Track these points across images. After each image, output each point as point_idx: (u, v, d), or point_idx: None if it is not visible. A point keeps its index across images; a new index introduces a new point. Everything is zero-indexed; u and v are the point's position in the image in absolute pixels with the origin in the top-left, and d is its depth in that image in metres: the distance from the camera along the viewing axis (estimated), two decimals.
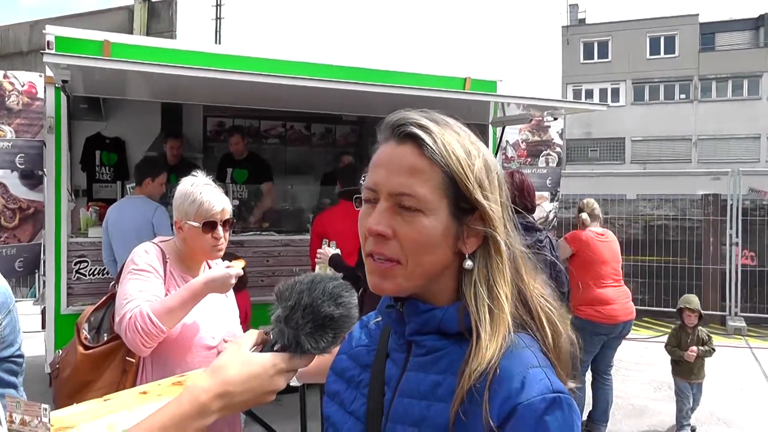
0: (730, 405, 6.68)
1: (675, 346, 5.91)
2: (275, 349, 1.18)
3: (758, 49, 40.26)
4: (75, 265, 5.75)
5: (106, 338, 2.76)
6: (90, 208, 6.45)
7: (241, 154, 7.53)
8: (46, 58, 4.26)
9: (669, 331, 6.24)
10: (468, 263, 1.17)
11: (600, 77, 41.56)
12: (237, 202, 6.87)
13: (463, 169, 1.15)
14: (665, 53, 41.10)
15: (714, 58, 40.06)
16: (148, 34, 14.31)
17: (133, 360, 2.68)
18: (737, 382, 7.59)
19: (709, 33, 41.22)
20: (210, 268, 2.98)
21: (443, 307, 1.19)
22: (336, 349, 1.30)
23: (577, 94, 41.43)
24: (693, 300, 6.03)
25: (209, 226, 2.80)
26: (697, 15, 41.06)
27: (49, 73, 5.29)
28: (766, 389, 7.39)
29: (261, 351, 1.19)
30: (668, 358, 6.02)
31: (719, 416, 6.37)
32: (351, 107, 7.35)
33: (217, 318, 2.89)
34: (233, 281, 2.79)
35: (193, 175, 2.92)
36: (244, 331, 4.04)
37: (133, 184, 6.00)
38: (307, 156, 9.11)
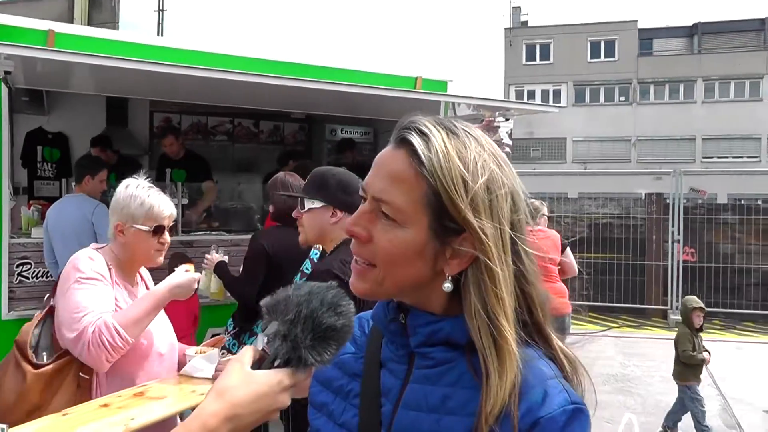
0: (674, 395, 6.89)
1: (693, 351, 5.80)
2: (276, 364, 1.11)
3: (693, 55, 41.69)
4: (17, 267, 5.46)
5: (45, 357, 2.53)
6: (31, 207, 6.19)
7: (177, 154, 7.28)
8: None
9: (614, 325, 6.36)
10: (447, 285, 1.10)
11: (542, 79, 42.28)
12: (186, 201, 6.69)
13: (454, 185, 1.05)
14: (605, 57, 42.12)
15: (652, 63, 41.41)
16: (89, 24, 13.92)
17: (88, 376, 2.51)
18: None
19: (647, 39, 42.59)
20: (141, 277, 2.88)
21: (451, 318, 1.12)
22: None
23: (519, 95, 42.04)
24: (698, 300, 6.03)
25: (158, 230, 2.71)
26: (636, 21, 42.35)
27: None
28: (706, 378, 7.62)
29: (260, 367, 1.12)
30: (613, 351, 6.12)
31: (664, 406, 6.51)
32: (300, 104, 7.28)
33: (162, 324, 2.81)
34: (195, 286, 2.74)
35: (134, 177, 2.80)
36: (194, 334, 3.92)
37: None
38: (256, 153, 8.97)
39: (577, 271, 6.47)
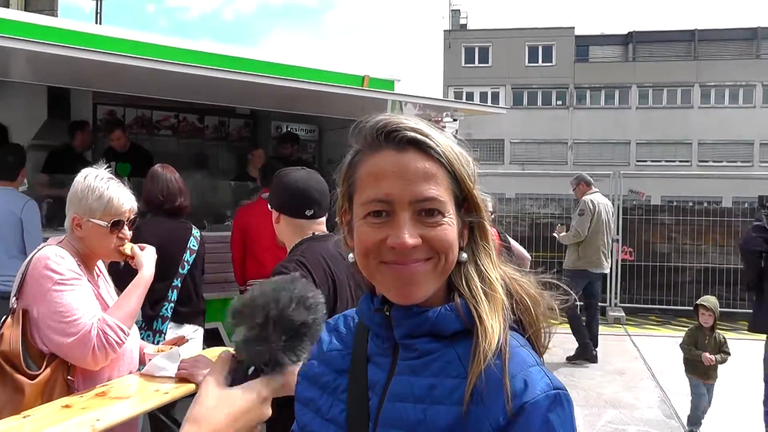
0: (614, 388, 7.22)
1: (690, 345, 5.83)
2: (250, 372, 1.09)
3: (627, 62, 42.93)
4: None
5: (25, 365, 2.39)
6: None
7: (123, 147, 7.18)
8: None
9: (554, 322, 6.50)
10: (463, 256, 1.18)
11: (480, 81, 42.87)
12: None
13: (463, 165, 1.18)
14: (543, 62, 42.99)
15: (588, 69, 42.50)
16: (26, 10, 13.45)
17: (73, 378, 2.44)
18: (619, 366, 8.21)
19: (583, 45, 43.67)
20: (99, 269, 2.79)
21: (435, 309, 1.16)
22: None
23: (458, 97, 42.36)
24: (711, 299, 6.00)
25: (116, 225, 2.60)
26: (573, 28, 43.36)
27: None
28: (645, 372, 8.02)
29: (233, 379, 1.08)
30: (555, 347, 6.24)
31: (606, 399, 6.84)
32: (246, 100, 7.17)
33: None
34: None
35: (95, 168, 2.69)
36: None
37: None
38: (200, 149, 8.81)
39: (528, 256, 6.55)
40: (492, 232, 1.23)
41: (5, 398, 2.31)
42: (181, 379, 2.71)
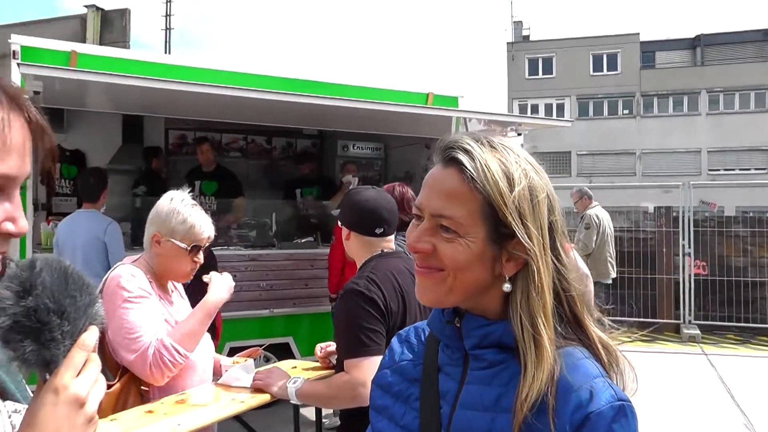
0: (690, 412, 6.84)
1: None
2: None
3: (696, 67, 41.67)
4: None
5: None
6: (50, 223, 6.27)
7: (210, 164, 7.46)
8: (22, 69, 4.16)
9: (626, 340, 6.30)
10: (506, 286, 1.20)
11: (545, 93, 42.32)
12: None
13: (501, 195, 1.16)
14: (608, 70, 42.09)
15: (655, 76, 41.29)
16: (100, 43, 14.02)
17: (148, 388, 2.61)
18: (695, 388, 7.76)
19: (649, 51, 42.53)
20: (174, 285, 2.92)
21: (503, 321, 1.21)
22: None
23: (522, 109, 42.06)
24: None
25: (195, 249, 2.74)
26: (638, 34, 42.27)
27: (15, 82, 5.13)
28: (725, 394, 7.55)
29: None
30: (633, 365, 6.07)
31: (680, 424, 6.50)
32: (312, 121, 7.35)
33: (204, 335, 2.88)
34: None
35: (179, 191, 2.83)
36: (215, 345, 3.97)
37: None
38: (269, 169, 9.04)
39: (587, 272, 6.43)
40: (544, 274, 1.16)
41: None
42: (256, 389, 2.88)
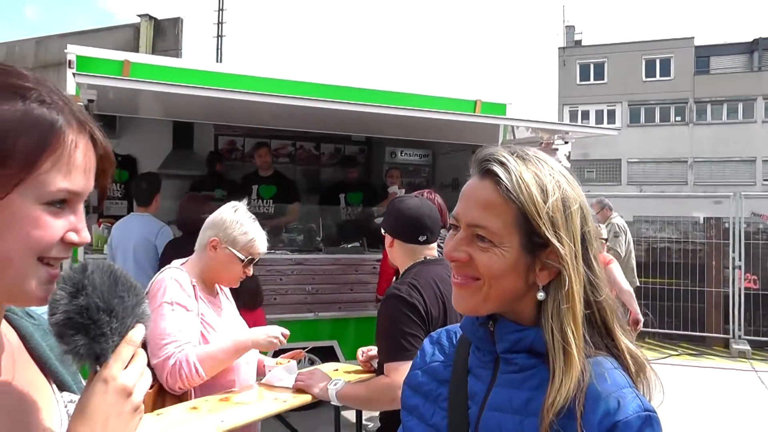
0: (736, 429, 6.70)
1: None
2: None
3: (752, 72, 40.65)
4: None
5: None
6: (101, 225, 6.47)
7: (267, 168, 7.58)
8: (78, 79, 4.32)
9: (673, 353, 6.17)
10: (540, 294, 1.24)
11: (596, 99, 41.77)
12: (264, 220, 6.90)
13: (535, 206, 1.21)
14: (661, 75, 41.34)
15: (709, 81, 40.40)
16: (153, 52, 14.36)
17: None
18: (744, 405, 7.53)
19: (704, 56, 41.60)
20: (220, 287, 3.01)
21: (535, 328, 1.25)
22: None
23: (573, 115, 41.62)
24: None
25: (249, 262, 2.85)
26: (693, 38, 41.37)
27: (71, 91, 5.31)
28: None
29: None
30: (677, 380, 5.95)
31: None
32: (361, 128, 7.42)
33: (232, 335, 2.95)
34: (276, 348, 2.94)
35: (241, 203, 2.96)
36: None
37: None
38: (317, 175, 9.14)
39: (625, 288, 6.31)
40: (575, 284, 1.21)
41: None
42: (298, 390, 2.96)
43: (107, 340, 0.96)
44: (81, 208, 0.95)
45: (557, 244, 1.20)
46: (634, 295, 6.35)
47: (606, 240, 6.40)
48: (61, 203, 0.91)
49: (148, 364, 2.58)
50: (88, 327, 0.94)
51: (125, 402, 0.95)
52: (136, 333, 0.99)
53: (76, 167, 0.91)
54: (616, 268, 6.37)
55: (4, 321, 1.00)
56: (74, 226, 0.93)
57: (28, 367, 1.02)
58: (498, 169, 1.23)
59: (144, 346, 2.50)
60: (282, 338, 2.91)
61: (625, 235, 9.07)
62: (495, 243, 1.22)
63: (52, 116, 0.89)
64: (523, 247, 1.22)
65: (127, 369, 0.97)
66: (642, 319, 6.26)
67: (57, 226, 0.90)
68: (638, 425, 1.14)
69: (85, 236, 0.94)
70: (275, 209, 7.38)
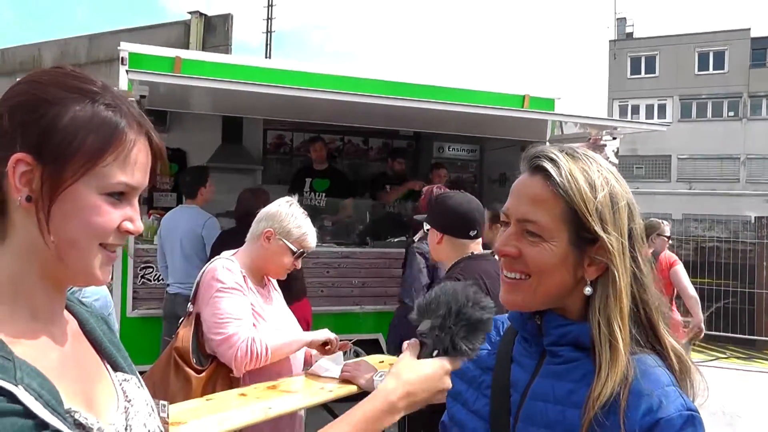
0: None
1: None
2: (434, 355, 1.29)
3: None
4: (141, 270, 5.91)
5: (196, 360, 2.79)
6: (151, 216, 6.62)
7: (322, 162, 7.66)
8: (130, 75, 4.44)
9: (721, 356, 6.04)
10: (587, 290, 1.28)
11: (647, 93, 40.96)
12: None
13: (584, 201, 1.24)
14: (714, 69, 40.24)
15: (765, 75, 39.08)
16: (203, 48, 14.56)
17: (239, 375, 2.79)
18: None
19: (760, 48, 40.09)
20: (268, 279, 3.10)
21: (580, 323, 1.28)
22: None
23: (623, 110, 40.93)
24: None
25: (300, 255, 2.95)
26: (749, 30, 40.08)
27: (123, 86, 5.44)
28: None
29: (420, 357, 1.30)
30: (724, 383, 5.80)
31: None
32: (408, 123, 7.44)
33: (294, 326, 3.10)
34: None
35: (294, 199, 3.05)
36: None
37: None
38: (365, 169, 9.19)
39: (691, 294, 6.16)
40: (623, 279, 1.24)
41: (178, 386, 2.70)
42: (344, 380, 3.01)
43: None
44: (136, 201, 1.06)
45: (606, 239, 1.23)
46: (699, 302, 6.19)
47: (669, 237, 6.26)
48: (119, 195, 1.02)
49: (197, 357, 2.69)
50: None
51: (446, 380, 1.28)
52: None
53: (134, 164, 1.03)
54: (682, 270, 6.23)
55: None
56: (130, 216, 1.04)
57: (86, 348, 1.13)
58: (548, 165, 1.27)
59: (197, 324, 2.62)
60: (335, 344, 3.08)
61: None
62: (544, 238, 1.26)
63: (116, 119, 1.02)
64: (571, 242, 1.26)
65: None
66: (704, 328, 6.14)
67: (115, 215, 1.02)
68: (680, 424, 1.16)
69: (139, 226, 1.06)
70: (327, 203, 7.45)
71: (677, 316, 6.03)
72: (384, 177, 8.10)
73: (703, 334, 6.19)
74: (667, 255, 6.26)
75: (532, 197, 1.28)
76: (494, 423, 1.35)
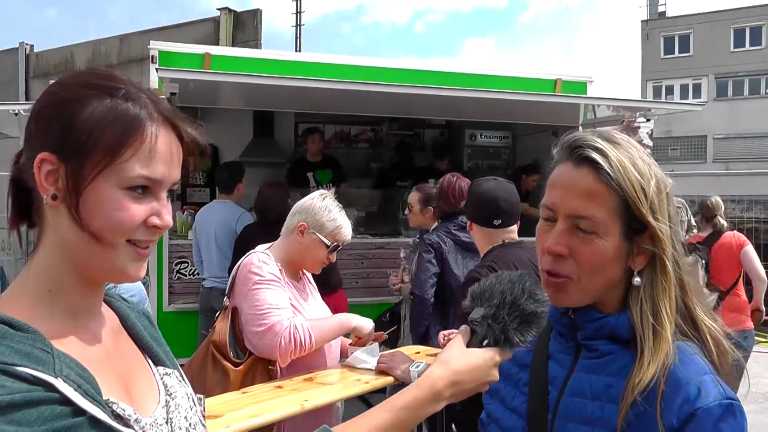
0: None
1: None
2: (484, 344, 1.26)
3: None
4: (176, 265, 5.98)
5: (233, 354, 2.78)
6: (185, 211, 6.69)
7: (318, 154, 7.57)
8: (160, 73, 4.48)
9: (762, 340, 5.83)
10: (636, 280, 1.24)
11: (681, 72, 40.11)
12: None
13: (637, 192, 1.20)
14: (751, 45, 39.24)
15: None
16: (233, 44, 14.65)
17: (275, 367, 2.79)
18: None
19: None
20: (303, 272, 3.08)
21: (615, 314, 1.25)
22: None
23: (657, 91, 40.29)
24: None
25: (334, 249, 2.91)
26: None
27: (153, 84, 5.49)
28: None
29: (469, 345, 1.28)
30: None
31: None
32: (440, 111, 7.40)
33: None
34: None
35: (328, 191, 3.05)
36: None
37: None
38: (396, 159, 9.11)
39: (762, 276, 5.86)
40: (672, 265, 1.21)
41: (216, 380, 2.71)
42: (380, 371, 3.00)
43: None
44: (164, 194, 1.04)
45: (656, 227, 1.20)
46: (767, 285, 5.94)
47: (688, 221, 6.05)
48: (142, 189, 1.00)
49: (234, 350, 2.70)
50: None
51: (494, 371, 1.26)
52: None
53: (156, 157, 1.00)
54: (752, 251, 5.91)
55: (103, 303, 1.11)
56: (156, 210, 1.02)
57: (128, 343, 1.14)
58: (596, 156, 1.21)
59: (234, 316, 2.62)
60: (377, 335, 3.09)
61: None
62: (599, 233, 1.21)
63: (135, 111, 1.00)
64: (623, 235, 1.22)
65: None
66: (764, 309, 5.93)
67: (138, 210, 0.99)
68: (719, 413, 1.12)
69: (168, 220, 1.03)
70: (336, 194, 7.35)
71: (744, 298, 5.83)
72: (428, 171, 8.06)
73: (763, 316, 5.98)
74: (736, 235, 5.99)
75: (583, 191, 1.22)
76: (532, 420, 1.32)
